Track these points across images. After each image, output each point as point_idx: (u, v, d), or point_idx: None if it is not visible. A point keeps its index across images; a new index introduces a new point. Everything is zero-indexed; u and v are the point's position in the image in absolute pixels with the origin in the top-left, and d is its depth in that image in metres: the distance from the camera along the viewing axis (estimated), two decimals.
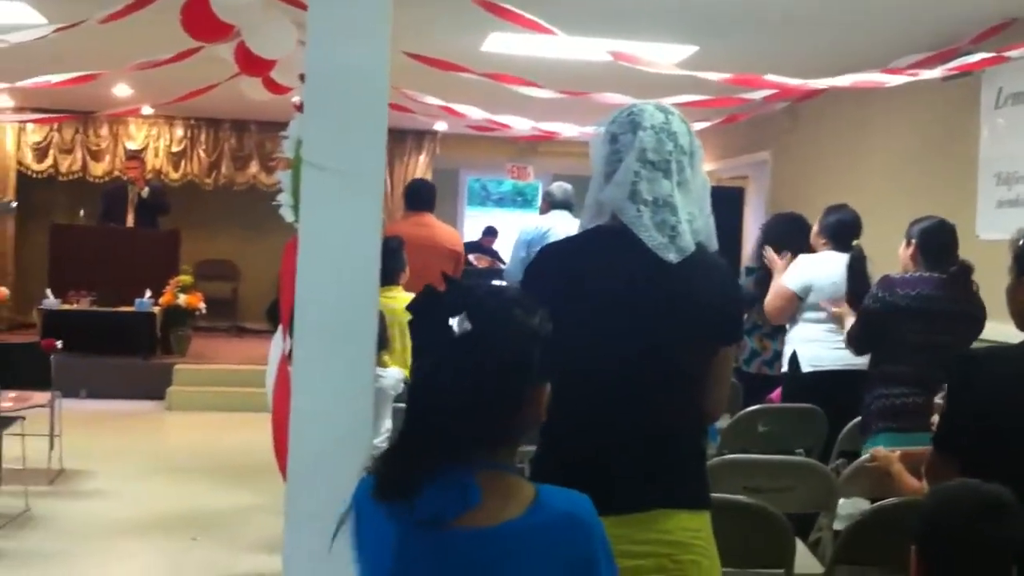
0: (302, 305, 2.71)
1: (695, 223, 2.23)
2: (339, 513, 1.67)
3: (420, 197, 6.27)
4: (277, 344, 3.82)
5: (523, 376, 1.54)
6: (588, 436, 2.17)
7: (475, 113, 6.80)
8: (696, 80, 5.22)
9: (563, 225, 6.09)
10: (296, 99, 4.62)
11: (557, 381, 2.17)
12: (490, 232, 12.35)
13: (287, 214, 3.53)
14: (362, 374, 2.72)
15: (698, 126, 2.21)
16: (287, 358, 3.44)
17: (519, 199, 15.07)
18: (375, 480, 1.56)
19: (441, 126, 11.87)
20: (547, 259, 2.32)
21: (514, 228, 7.19)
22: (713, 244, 2.30)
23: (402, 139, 12.44)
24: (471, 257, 10.36)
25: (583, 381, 2.14)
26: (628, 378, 2.17)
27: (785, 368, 4.99)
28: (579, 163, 8.22)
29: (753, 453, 3.90)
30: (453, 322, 1.53)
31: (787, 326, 5.04)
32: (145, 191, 10.65)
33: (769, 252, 5.28)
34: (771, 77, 5.32)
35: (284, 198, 3.58)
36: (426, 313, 1.55)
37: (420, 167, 12.64)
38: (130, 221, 10.65)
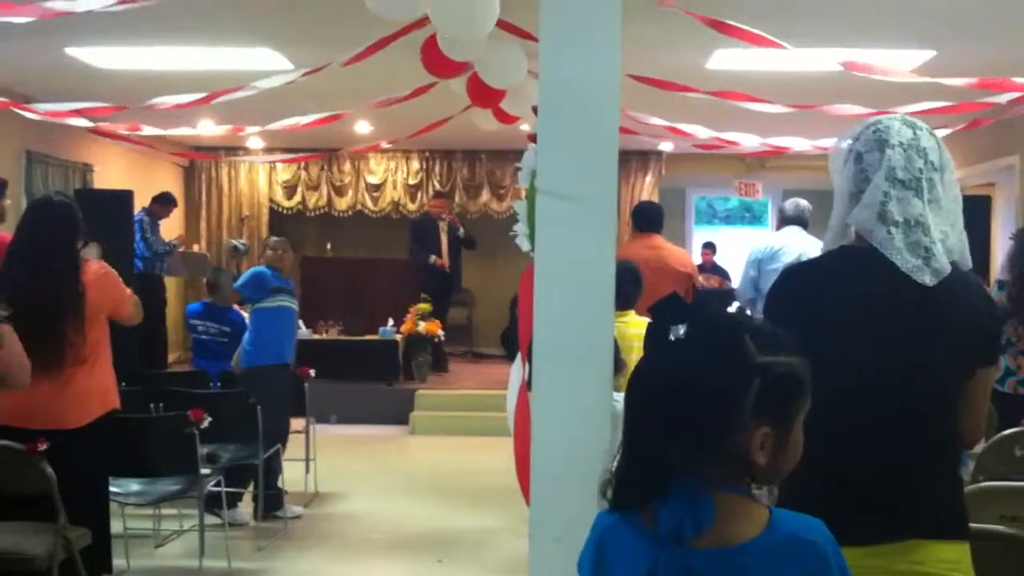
0: (540, 332, 2.76)
1: (948, 241, 2.15)
2: (583, 537, 1.70)
3: (648, 219, 6.25)
4: (517, 370, 3.90)
5: (724, 404, 1.50)
6: (837, 463, 2.10)
7: (702, 132, 6.73)
8: (935, 86, 5.00)
9: (795, 242, 5.94)
10: (529, 129, 4.73)
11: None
12: (708, 247, 12.20)
13: (523, 243, 3.61)
14: (601, 398, 2.74)
15: (937, 133, 2.15)
16: (527, 384, 3.51)
17: (747, 215, 14.80)
18: (612, 492, 1.59)
19: (666, 146, 11.81)
20: (791, 281, 2.27)
21: (742, 245, 7.05)
22: (967, 261, 2.20)
23: (627, 160, 12.46)
24: (700, 278, 10.25)
25: (832, 407, 2.08)
26: (880, 404, 2.10)
27: None
28: (812, 176, 8.00)
29: (1012, 480, 3.67)
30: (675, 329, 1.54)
31: None
32: (461, 231, 11.08)
33: None
34: (1020, 79, 5.02)
35: (520, 227, 3.66)
36: (655, 317, 1.57)
37: (646, 188, 12.63)
38: (445, 255, 10.97)
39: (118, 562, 5.27)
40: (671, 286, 5.64)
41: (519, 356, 3.83)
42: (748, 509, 1.54)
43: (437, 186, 12.79)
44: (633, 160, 12.54)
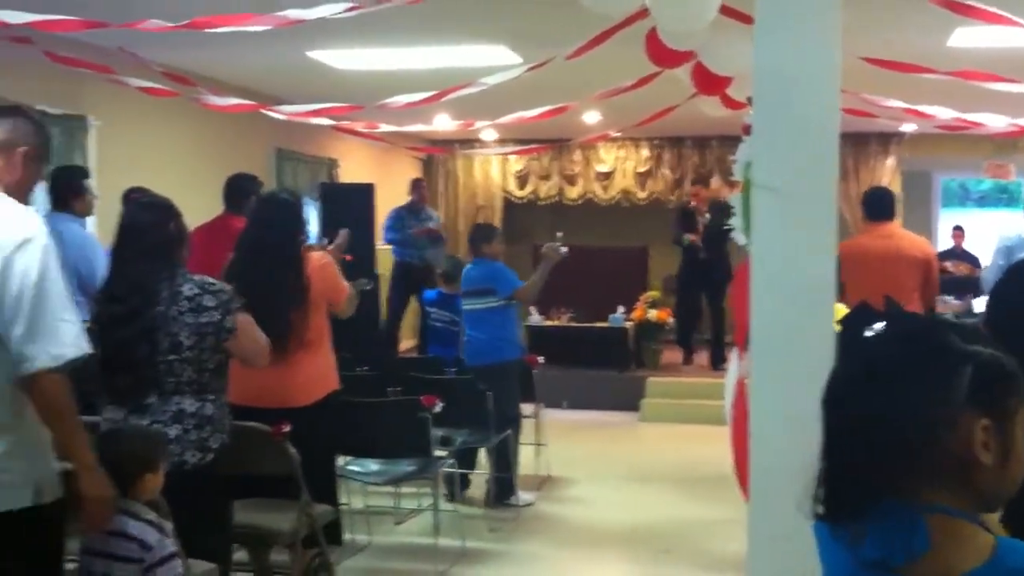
0: (757, 327, 2.73)
1: None
2: (803, 535, 1.59)
3: (879, 206, 5.99)
4: (735, 363, 3.87)
5: (933, 395, 1.35)
6: None
7: (943, 113, 6.39)
8: None
9: None
10: (745, 120, 4.67)
11: None
12: (959, 230, 11.53)
13: (739, 237, 3.57)
14: (821, 393, 2.68)
15: None
16: (744, 379, 3.48)
17: (1003, 197, 13.95)
18: (816, 505, 1.46)
19: (908, 127, 11.28)
20: (1014, 281, 2.16)
21: (996, 229, 6.66)
22: None
23: (864, 143, 11.98)
24: (948, 264, 9.72)
25: None
26: None
27: None
28: None
29: None
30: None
31: None
32: (706, 218, 10.53)
33: None
34: None
35: (736, 221, 3.62)
36: (845, 326, 1.48)
37: (886, 171, 12.09)
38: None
39: (360, 537, 5.59)
40: (907, 275, 5.47)
41: (736, 350, 3.79)
42: (968, 535, 1.36)
43: (668, 172, 12.72)
44: (871, 142, 12.04)
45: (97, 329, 3.50)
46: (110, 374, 3.46)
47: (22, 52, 5.01)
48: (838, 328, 1.49)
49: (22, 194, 2.82)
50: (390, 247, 10.17)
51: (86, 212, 5.70)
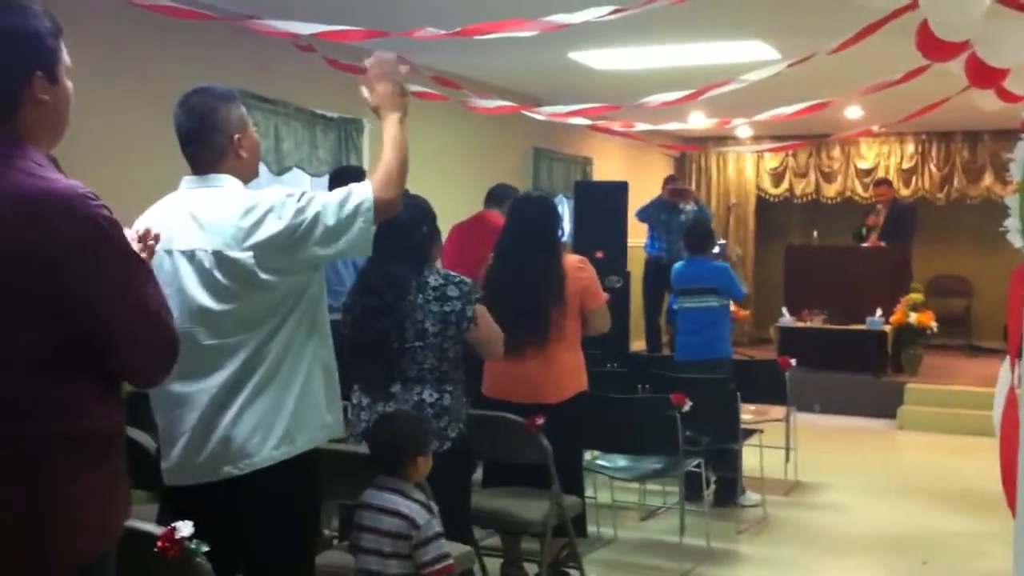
0: None
1: None
2: None
3: None
4: (1005, 372, 3.67)
5: None
6: None
7: None
8: None
9: None
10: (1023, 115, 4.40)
11: None
12: None
13: (1015, 239, 3.38)
14: None
15: None
16: (1015, 388, 3.30)
17: None
18: None
19: None
20: None
21: None
22: None
23: None
24: None
25: None
26: None
27: None
28: None
29: None
30: None
31: None
32: (872, 217, 10.86)
33: None
34: None
35: (1012, 223, 3.43)
36: None
37: None
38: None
39: (606, 530, 5.67)
40: None
41: (1007, 357, 3.60)
42: None
43: (934, 170, 12.17)
44: None
45: (351, 319, 3.74)
46: (362, 362, 3.67)
47: (305, 59, 5.37)
48: None
49: (252, 177, 2.83)
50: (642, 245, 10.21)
51: None
